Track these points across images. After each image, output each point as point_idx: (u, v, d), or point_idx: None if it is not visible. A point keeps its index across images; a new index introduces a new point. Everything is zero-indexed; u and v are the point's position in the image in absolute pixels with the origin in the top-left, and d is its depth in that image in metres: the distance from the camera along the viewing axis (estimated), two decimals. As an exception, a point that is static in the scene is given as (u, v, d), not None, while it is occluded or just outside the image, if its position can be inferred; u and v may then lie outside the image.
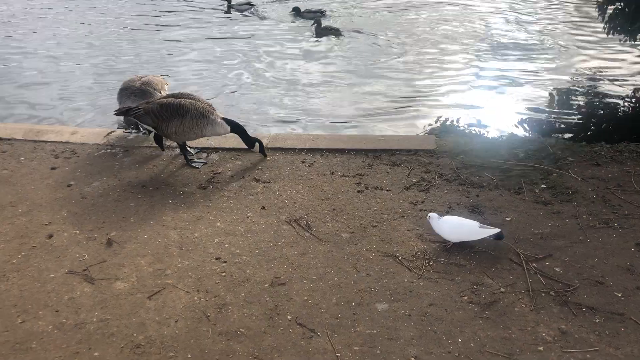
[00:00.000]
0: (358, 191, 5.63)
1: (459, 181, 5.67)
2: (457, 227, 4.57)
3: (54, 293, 4.27)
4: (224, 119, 6.00)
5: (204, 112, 5.86)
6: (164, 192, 5.66)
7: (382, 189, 5.64)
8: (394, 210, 5.25)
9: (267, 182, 5.82)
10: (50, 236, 4.96)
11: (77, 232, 5.03)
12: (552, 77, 10.26)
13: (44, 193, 5.63)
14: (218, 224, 5.14)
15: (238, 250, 4.76)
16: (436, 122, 8.35)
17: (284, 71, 10.63)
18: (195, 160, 6.25)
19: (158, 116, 5.80)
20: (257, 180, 5.86)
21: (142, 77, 6.85)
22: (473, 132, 7.38)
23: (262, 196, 5.57)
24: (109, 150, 6.54)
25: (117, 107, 6.45)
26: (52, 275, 4.47)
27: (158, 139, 6.26)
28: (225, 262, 4.62)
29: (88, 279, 4.43)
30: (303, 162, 6.21)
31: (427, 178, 5.78)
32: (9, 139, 6.74)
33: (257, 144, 6.16)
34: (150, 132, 6.35)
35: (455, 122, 8.12)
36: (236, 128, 6.07)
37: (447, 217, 4.68)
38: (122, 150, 6.52)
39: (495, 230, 4.50)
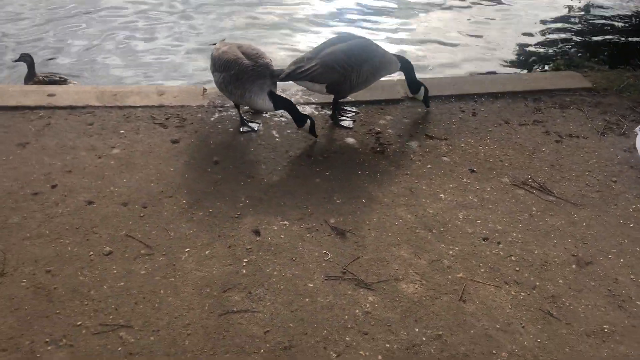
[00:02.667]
0: (556, 141, 5.02)
1: (654, 121, 5.22)
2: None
3: (339, 311, 3.30)
4: (393, 54, 5.08)
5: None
6: (340, 163, 4.67)
7: (578, 137, 5.07)
8: (613, 159, 4.74)
9: (445, 139, 5.00)
10: (257, 232, 3.87)
11: (286, 223, 3.97)
12: None
13: (192, 175, 4.41)
14: (442, 195, 4.31)
15: (499, 227, 4.01)
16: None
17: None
18: (343, 118, 5.23)
19: (347, 65, 4.68)
20: (431, 138, 5.01)
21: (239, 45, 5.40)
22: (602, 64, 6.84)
23: (456, 156, 4.77)
24: (223, 113, 5.28)
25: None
26: (310, 285, 3.47)
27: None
28: (499, 243, 3.87)
29: (360, 284, 3.49)
30: (462, 111, 5.43)
31: (613, 120, 5.26)
32: (83, 107, 5.21)
33: (423, 88, 5.26)
34: (255, 129, 5.02)
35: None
36: (406, 65, 5.12)
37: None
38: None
39: None
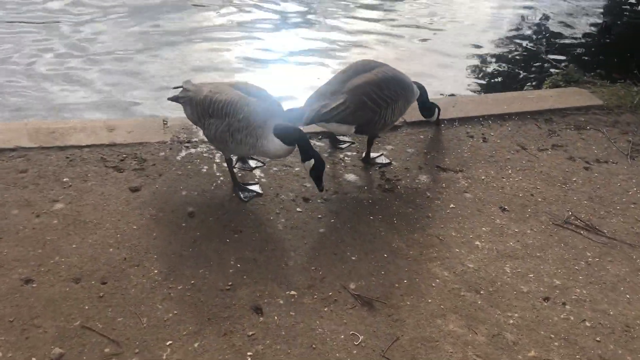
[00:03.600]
0: (585, 168, 4.36)
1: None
2: None
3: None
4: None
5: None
6: (345, 206, 3.84)
7: (606, 162, 4.45)
8: None
9: (460, 170, 4.25)
10: (259, 310, 2.95)
11: (294, 293, 3.09)
12: None
13: (162, 233, 3.45)
14: (477, 243, 3.53)
15: (557, 281, 3.26)
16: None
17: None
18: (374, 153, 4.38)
19: (381, 101, 3.86)
20: (444, 170, 4.25)
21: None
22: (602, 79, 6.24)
23: (479, 191, 4.02)
24: (192, 150, 4.32)
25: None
26: (344, 386, 2.56)
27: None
28: (564, 303, 3.11)
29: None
30: (471, 136, 4.71)
31: (637, 141, 4.69)
32: (13, 149, 4.12)
33: (436, 110, 4.57)
34: (259, 192, 3.89)
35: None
36: (422, 90, 4.33)
37: None
38: (210, 148, 4.34)
39: None
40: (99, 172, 3.96)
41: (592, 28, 8.31)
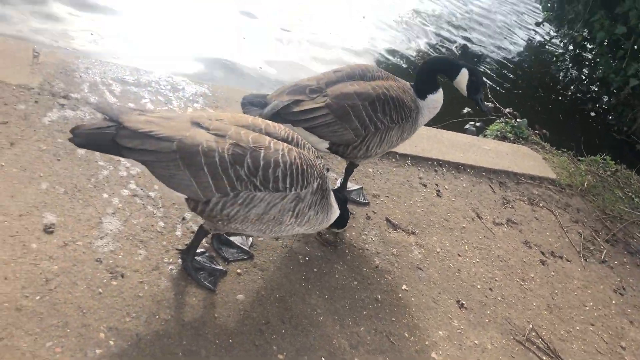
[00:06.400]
0: (541, 261, 3.79)
1: (627, 246, 4.29)
2: None
3: None
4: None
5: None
6: (272, 260, 2.81)
7: (561, 257, 3.94)
8: (609, 306, 3.69)
9: (413, 233, 3.45)
10: None
11: None
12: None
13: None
14: (432, 354, 2.72)
15: None
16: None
17: None
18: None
19: (369, 121, 2.79)
20: (395, 227, 3.41)
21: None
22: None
23: (434, 270, 3.25)
24: (68, 111, 2.98)
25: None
26: None
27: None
28: None
29: None
30: (424, 185, 3.93)
31: (587, 236, 4.23)
32: None
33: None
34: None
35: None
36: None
37: None
38: (101, 115, 3.01)
39: None
40: None
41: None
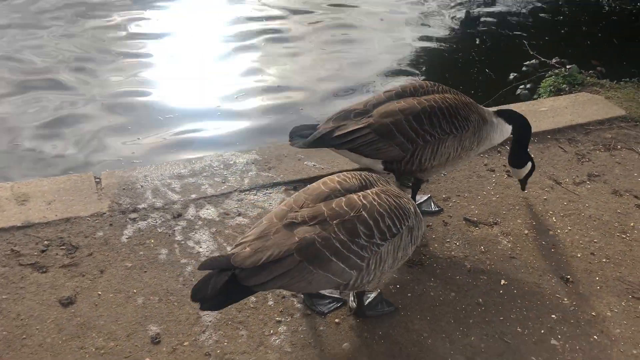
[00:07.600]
0: (637, 206, 3.56)
1: None
2: None
3: None
4: (497, 112, 3.22)
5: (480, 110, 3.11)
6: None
7: (660, 199, 3.64)
8: None
9: (495, 223, 3.39)
10: None
11: None
12: None
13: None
14: (553, 341, 2.63)
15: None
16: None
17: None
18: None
19: (415, 134, 2.86)
20: (475, 224, 3.36)
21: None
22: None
23: (527, 254, 3.16)
24: (140, 223, 3.17)
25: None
26: None
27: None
28: None
29: None
30: (491, 170, 3.88)
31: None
32: None
33: (530, 164, 3.35)
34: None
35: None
36: (524, 128, 3.26)
37: None
38: (170, 215, 3.22)
39: None
40: (10, 275, 2.74)
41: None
